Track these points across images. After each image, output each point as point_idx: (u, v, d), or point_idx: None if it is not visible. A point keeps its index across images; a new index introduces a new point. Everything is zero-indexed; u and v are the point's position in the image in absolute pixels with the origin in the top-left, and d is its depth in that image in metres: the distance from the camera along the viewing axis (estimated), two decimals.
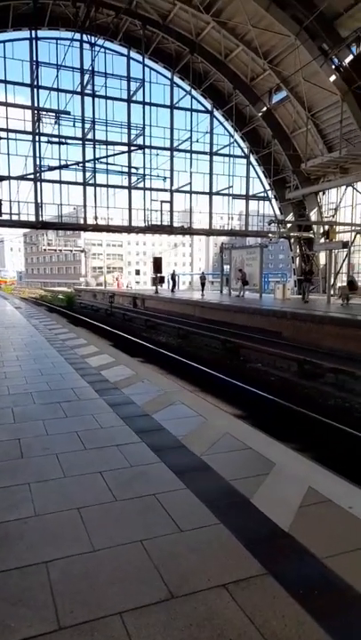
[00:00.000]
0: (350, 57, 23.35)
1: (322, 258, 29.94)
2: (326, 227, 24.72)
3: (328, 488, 3.38)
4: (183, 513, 3.03)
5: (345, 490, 3.39)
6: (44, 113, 27.80)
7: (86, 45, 30.25)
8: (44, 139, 29.40)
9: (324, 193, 30.50)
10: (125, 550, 2.63)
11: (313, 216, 31.17)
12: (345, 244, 21.81)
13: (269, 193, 34.69)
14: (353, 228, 26.51)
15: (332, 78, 23.53)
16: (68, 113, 27.90)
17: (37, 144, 29.48)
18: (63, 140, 29.81)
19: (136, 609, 2.18)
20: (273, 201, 34.72)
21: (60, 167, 29.42)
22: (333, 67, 23.50)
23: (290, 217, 33.06)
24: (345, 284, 20.35)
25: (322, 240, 25.05)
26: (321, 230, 28.39)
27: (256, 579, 2.38)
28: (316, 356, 11.90)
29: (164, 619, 2.11)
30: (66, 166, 29.45)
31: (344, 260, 27.74)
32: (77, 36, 29.87)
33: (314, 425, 7.44)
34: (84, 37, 30.05)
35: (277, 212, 34.38)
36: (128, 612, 2.16)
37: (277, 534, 2.80)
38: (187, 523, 2.91)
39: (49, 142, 29.45)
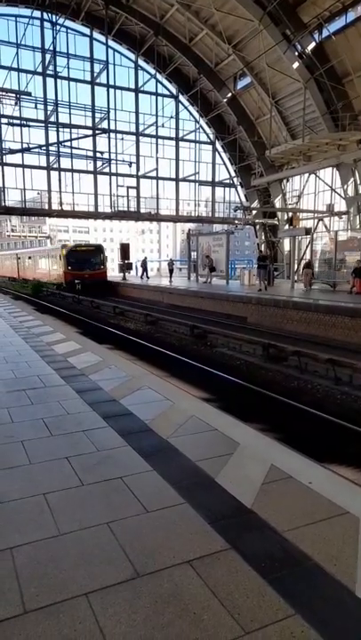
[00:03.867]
0: (313, 44, 23.51)
1: (286, 244, 30.38)
2: (290, 214, 25.05)
3: (290, 465, 3.49)
4: (149, 494, 3.07)
5: (305, 466, 3.51)
6: (4, 94, 26.69)
7: (47, 24, 29.25)
8: (4, 120, 28.33)
9: (287, 180, 30.79)
10: (92, 533, 2.66)
11: (277, 203, 31.48)
12: (308, 231, 22.15)
13: (235, 180, 34.76)
14: (315, 215, 26.97)
15: (295, 65, 23.63)
16: (29, 94, 26.90)
17: None
18: (25, 123, 28.84)
19: (102, 589, 2.21)
20: (239, 188, 34.83)
21: (23, 150, 28.48)
22: (296, 53, 23.59)
23: (255, 204, 33.29)
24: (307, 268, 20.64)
25: (286, 227, 25.37)
26: (285, 217, 28.77)
27: (220, 554, 2.45)
28: (278, 340, 12.15)
29: (129, 597, 2.15)
30: (28, 149, 28.55)
31: (307, 247, 28.25)
32: (37, 13, 28.80)
33: (277, 406, 7.63)
34: (45, 16, 29.01)
35: (243, 199, 34.54)
36: (94, 592, 2.19)
37: (241, 511, 2.88)
38: (153, 503, 2.95)
39: (9, 124, 28.42)
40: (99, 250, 32.28)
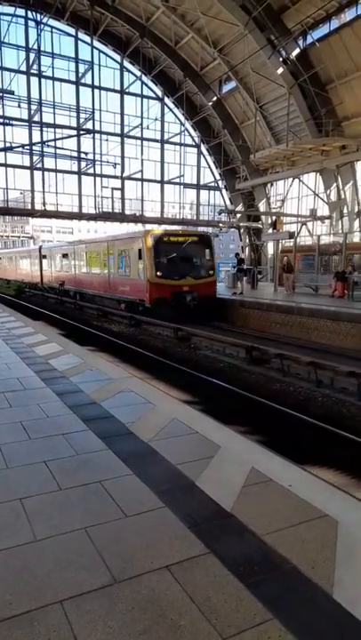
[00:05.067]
0: (297, 50, 23.80)
1: (270, 248, 30.62)
2: (274, 217, 25.27)
3: (270, 468, 3.49)
4: (129, 498, 3.03)
5: (286, 469, 3.52)
6: None
7: (32, 23, 28.99)
8: None
9: (272, 185, 31.10)
10: (68, 538, 2.61)
11: (261, 207, 31.73)
12: (291, 235, 22.39)
13: (220, 183, 34.92)
14: (299, 219, 27.27)
15: (280, 71, 23.89)
16: (12, 93, 26.61)
17: None
18: (7, 121, 28.49)
19: (78, 596, 2.16)
20: (223, 191, 35.00)
21: (5, 149, 28.11)
22: (281, 59, 23.86)
23: (240, 207, 33.49)
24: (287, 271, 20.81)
25: (270, 230, 25.55)
26: (269, 221, 28.99)
27: (198, 558, 2.43)
28: (262, 343, 12.21)
29: (105, 604, 2.12)
30: (11, 148, 28.16)
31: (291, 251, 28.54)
32: (21, 12, 28.54)
33: (259, 408, 7.66)
34: (30, 14, 28.76)
35: (228, 203, 34.72)
36: (69, 599, 2.14)
37: (221, 515, 2.86)
38: (132, 508, 2.92)
39: None
40: (205, 242, 18.52)
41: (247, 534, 2.66)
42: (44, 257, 29.61)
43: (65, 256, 26.29)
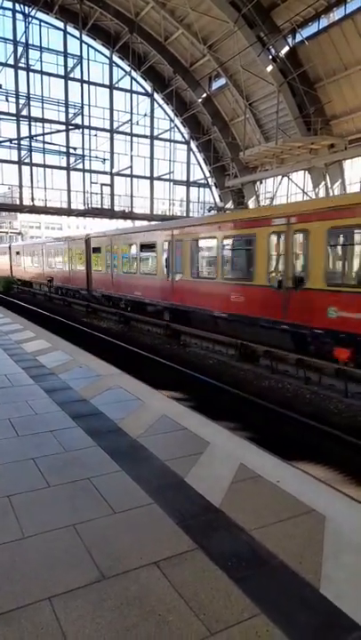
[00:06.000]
0: (286, 48, 23.86)
1: None
2: None
3: (258, 464, 3.51)
4: (117, 495, 3.03)
5: (274, 465, 3.54)
6: None
7: (20, 16, 28.64)
8: None
9: (261, 182, 31.19)
10: (57, 535, 2.60)
11: (251, 204, 31.83)
12: None
13: (210, 180, 34.95)
14: None
15: (269, 68, 23.94)
16: (0, 86, 26.31)
17: None
18: None
19: (66, 593, 2.16)
20: (213, 188, 35.04)
21: None
22: (270, 57, 23.91)
23: (229, 204, 33.55)
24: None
25: None
26: None
27: (187, 554, 2.44)
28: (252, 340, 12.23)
29: (94, 600, 2.11)
30: None
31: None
32: (8, 4, 28.18)
33: (248, 405, 7.69)
34: (17, 7, 28.41)
35: (217, 200, 34.77)
36: (58, 596, 2.14)
37: (209, 510, 2.88)
38: (121, 504, 2.92)
39: None
40: None
41: (235, 530, 2.67)
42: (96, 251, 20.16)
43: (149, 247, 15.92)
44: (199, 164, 35.18)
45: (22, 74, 29.18)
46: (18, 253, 31.40)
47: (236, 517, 2.79)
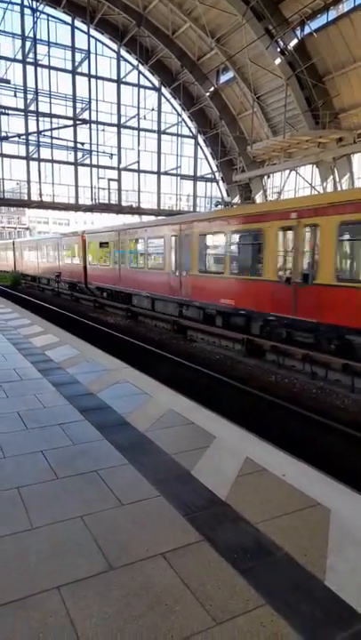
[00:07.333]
0: (295, 41, 23.62)
1: None
2: None
3: (264, 458, 3.53)
4: (125, 487, 3.07)
5: (280, 459, 3.56)
6: None
7: (28, 11, 28.63)
8: None
9: (268, 176, 31.00)
10: (65, 526, 2.64)
11: (258, 199, 31.66)
12: None
13: (217, 175, 34.81)
14: None
15: (278, 61, 23.72)
16: (8, 82, 26.29)
17: None
18: (3, 110, 28.18)
19: (74, 582, 2.20)
20: (220, 183, 34.90)
21: (1, 139, 27.90)
22: (279, 50, 23.69)
23: (236, 199, 33.41)
24: None
25: None
26: None
27: (193, 546, 2.47)
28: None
29: (101, 590, 2.15)
30: (6, 138, 27.95)
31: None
32: None
33: (254, 400, 7.70)
34: (25, 1, 28.39)
35: (224, 194, 34.63)
36: (66, 585, 2.18)
37: (215, 503, 2.91)
38: (128, 497, 2.95)
39: None
40: None
41: (241, 522, 2.70)
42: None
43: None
44: (206, 158, 35.02)
45: (30, 69, 29.18)
46: (20, 249, 32.64)
47: (241, 510, 2.81)
